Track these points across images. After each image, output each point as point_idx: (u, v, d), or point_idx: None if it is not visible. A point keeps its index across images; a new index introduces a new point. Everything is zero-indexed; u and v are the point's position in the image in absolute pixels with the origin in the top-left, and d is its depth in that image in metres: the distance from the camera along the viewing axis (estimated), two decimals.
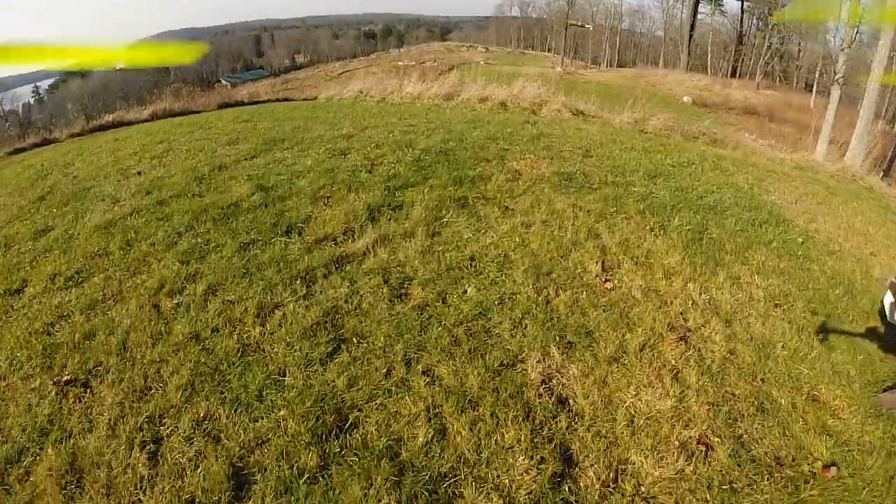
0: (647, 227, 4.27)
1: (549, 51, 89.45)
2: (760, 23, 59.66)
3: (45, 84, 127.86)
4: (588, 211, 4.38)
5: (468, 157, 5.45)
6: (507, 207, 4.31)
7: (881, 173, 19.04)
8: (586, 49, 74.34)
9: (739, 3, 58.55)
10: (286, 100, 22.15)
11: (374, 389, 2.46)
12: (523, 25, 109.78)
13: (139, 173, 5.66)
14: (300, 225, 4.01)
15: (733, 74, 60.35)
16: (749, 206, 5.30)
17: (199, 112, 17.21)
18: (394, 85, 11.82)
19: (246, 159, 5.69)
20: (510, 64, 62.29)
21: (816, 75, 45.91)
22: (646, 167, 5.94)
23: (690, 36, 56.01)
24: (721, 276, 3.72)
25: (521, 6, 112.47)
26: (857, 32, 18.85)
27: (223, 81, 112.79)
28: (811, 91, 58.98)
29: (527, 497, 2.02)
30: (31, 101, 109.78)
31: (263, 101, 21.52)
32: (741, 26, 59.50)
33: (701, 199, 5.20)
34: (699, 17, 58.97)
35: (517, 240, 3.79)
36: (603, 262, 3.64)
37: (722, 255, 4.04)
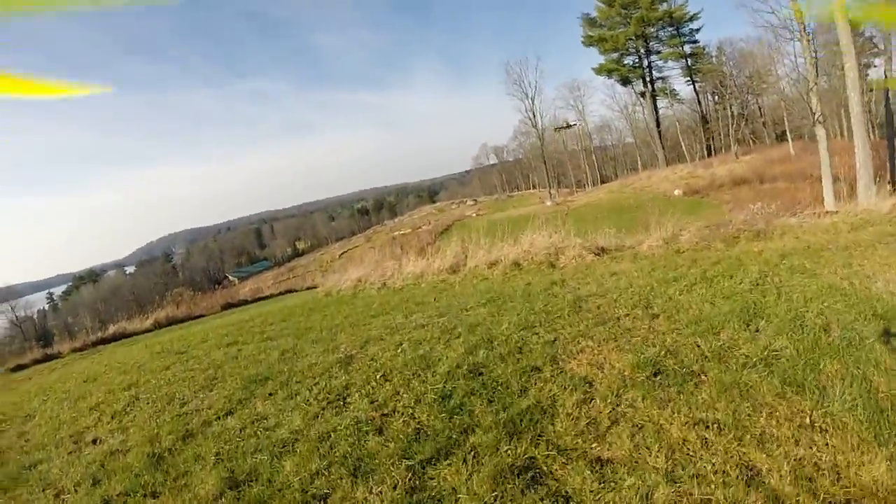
0: (805, 416, 2.82)
1: (534, 187, 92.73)
2: (716, 96, 62.18)
3: (58, 290, 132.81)
4: (717, 426, 2.86)
5: (511, 374, 4.03)
6: (600, 463, 2.71)
7: (888, 185, 17.87)
8: (567, 176, 76.92)
9: (691, 86, 61.21)
10: (289, 291, 21.83)
11: None
12: (503, 170, 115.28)
13: (94, 441, 4.60)
14: None
15: (710, 153, 61.53)
16: (880, 313, 4.02)
17: (202, 316, 17.40)
18: (392, 267, 11.04)
19: (219, 418, 4.40)
20: (500, 210, 64.00)
21: (785, 123, 46.35)
22: (725, 308, 4.66)
23: (659, 133, 57.90)
24: None
25: (496, 153, 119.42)
26: (816, 63, 18.53)
27: (230, 277, 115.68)
28: (782, 140, 59.93)
29: None
30: (46, 307, 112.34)
31: (266, 297, 21.16)
32: (700, 107, 61.72)
33: (823, 329, 3.90)
34: (660, 111, 61.41)
35: None
36: None
37: None
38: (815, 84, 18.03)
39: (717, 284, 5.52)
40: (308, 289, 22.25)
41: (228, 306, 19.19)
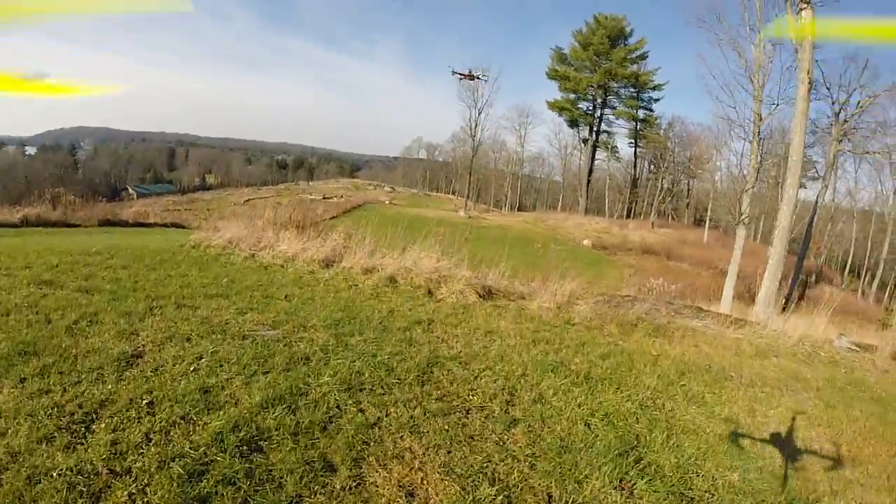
0: None
1: (454, 193, 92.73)
2: (652, 166, 64.58)
3: None
4: None
5: (294, 466, 2.75)
6: None
7: (783, 299, 18.32)
8: (489, 193, 77.05)
9: (633, 148, 63.05)
10: (174, 225, 19.74)
11: None
12: (429, 168, 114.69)
13: None
14: None
15: (629, 215, 63.72)
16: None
17: (75, 226, 16.04)
18: (270, 238, 9.38)
19: None
20: (414, 206, 62.95)
21: (708, 212, 48.43)
22: (601, 439, 3.55)
23: (588, 181, 59.05)
24: None
25: (428, 150, 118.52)
26: (759, 168, 18.80)
27: (130, 191, 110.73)
28: (700, 224, 63.30)
29: None
30: None
31: (147, 225, 19.31)
32: (635, 171, 63.76)
33: None
34: (596, 162, 62.77)
35: None
36: None
37: None
38: (752, 187, 18.19)
39: (600, 392, 4.47)
40: (183, 227, 20.32)
41: (106, 223, 18.01)
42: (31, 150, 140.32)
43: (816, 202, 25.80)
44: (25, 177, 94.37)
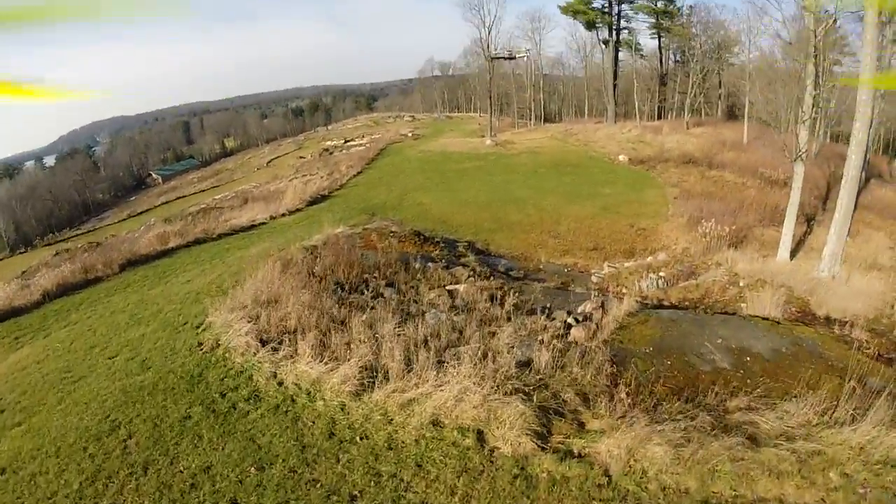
0: None
1: (476, 111, 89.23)
2: (679, 58, 60.21)
3: None
4: None
5: None
6: None
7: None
8: (511, 105, 73.81)
9: (656, 40, 58.74)
10: (196, 243, 19.31)
11: None
12: (447, 87, 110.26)
13: None
14: None
15: (660, 115, 60.31)
16: None
17: (98, 281, 15.83)
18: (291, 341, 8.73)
19: None
20: (437, 133, 60.87)
21: (746, 107, 44.89)
22: None
23: (615, 86, 55.55)
24: None
25: (441, 69, 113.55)
26: (817, 98, 16.10)
27: (154, 175, 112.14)
28: (734, 117, 59.36)
29: None
30: None
31: (169, 252, 18.73)
32: (661, 66, 59.67)
33: None
34: (619, 63, 58.85)
35: None
36: None
37: None
38: (810, 118, 15.66)
39: None
40: (218, 237, 20.07)
41: (129, 265, 17.23)
42: (49, 161, 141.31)
43: None
44: (50, 191, 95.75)
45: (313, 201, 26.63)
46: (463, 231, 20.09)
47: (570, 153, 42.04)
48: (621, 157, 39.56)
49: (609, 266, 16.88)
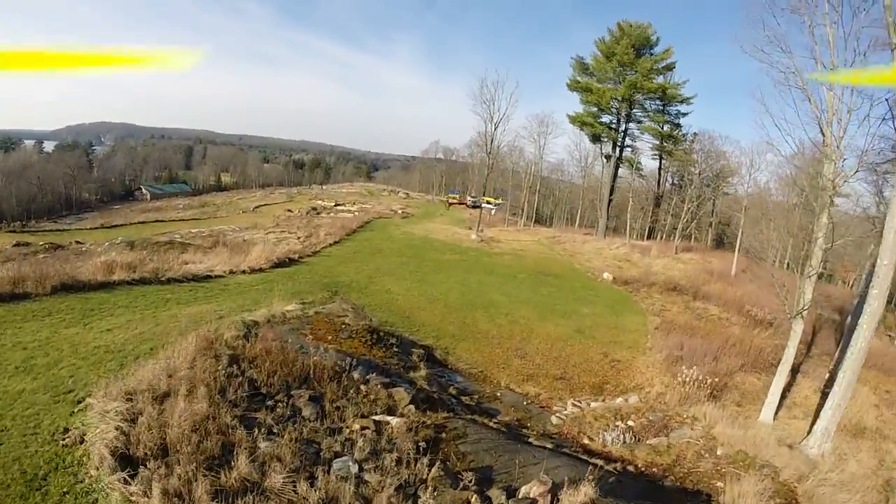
0: None
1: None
2: (676, 182, 61.02)
3: None
4: None
5: None
6: None
7: None
8: (505, 200, 74.27)
9: (657, 161, 59.56)
10: (142, 282, 17.37)
11: None
12: (447, 171, 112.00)
13: None
14: None
15: (650, 235, 60.38)
16: None
17: (27, 297, 14.18)
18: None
19: None
20: (426, 218, 60.43)
21: (739, 239, 44.58)
22: None
23: (610, 200, 55.74)
24: None
25: (445, 153, 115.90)
26: (827, 252, 14.85)
27: (144, 191, 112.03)
28: (722, 244, 59.56)
29: None
30: None
31: (112, 284, 16.70)
32: (659, 187, 60.32)
33: None
34: (618, 179, 59.46)
35: None
36: None
37: None
38: (817, 272, 14.34)
39: None
40: (167, 281, 18.28)
41: (63, 289, 15.39)
42: (49, 147, 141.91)
43: None
44: (38, 177, 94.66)
45: (280, 263, 24.98)
46: (424, 332, 18.44)
47: (555, 262, 41.14)
48: (605, 275, 38.63)
49: (574, 404, 15.15)
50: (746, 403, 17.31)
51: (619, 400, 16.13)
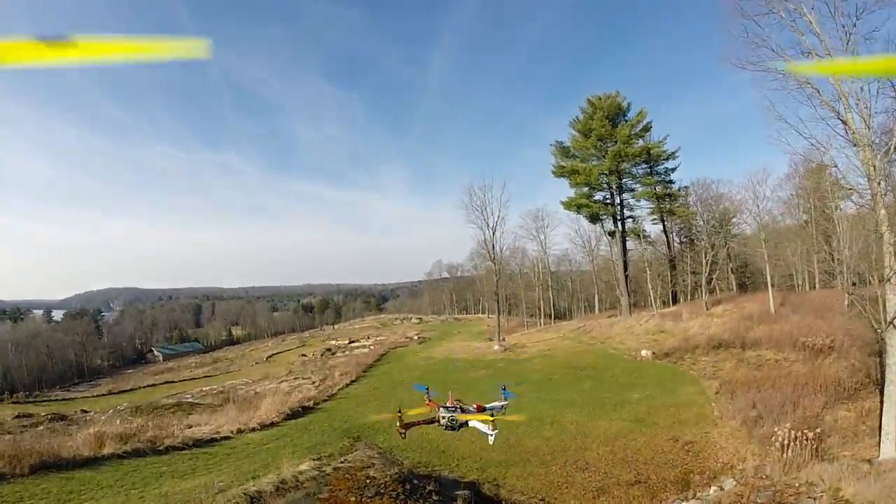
0: None
1: (484, 312, 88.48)
2: (684, 237, 59.59)
3: None
4: None
5: None
6: None
7: None
8: (520, 306, 72.50)
9: (660, 224, 58.37)
10: (139, 454, 15.30)
11: None
12: (455, 288, 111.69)
13: None
14: None
15: (674, 300, 57.94)
16: None
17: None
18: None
19: None
20: (444, 336, 58.49)
21: (767, 275, 42.10)
22: None
23: (626, 276, 53.81)
24: None
25: (449, 271, 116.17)
26: None
27: (156, 353, 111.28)
28: (745, 288, 56.61)
29: None
30: None
31: (102, 459, 14.99)
32: (669, 249, 58.69)
33: None
34: (628, 253, 58.02)
35: None
36: None
37: None
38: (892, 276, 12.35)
39: None
40: (165, 450, 16.34)
41: (42, 468, 13.81)
42: (58, 316, 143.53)
43: None
44: (47, 346, 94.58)
45: (293, 414, 23.07)
46: (466, 466, 15.96)
47: (587, 353, 38.65)
48: (644, 352, 36.03)
49: None
50: (853, 443, 15.09)
51: (713, 490, 13.52)
